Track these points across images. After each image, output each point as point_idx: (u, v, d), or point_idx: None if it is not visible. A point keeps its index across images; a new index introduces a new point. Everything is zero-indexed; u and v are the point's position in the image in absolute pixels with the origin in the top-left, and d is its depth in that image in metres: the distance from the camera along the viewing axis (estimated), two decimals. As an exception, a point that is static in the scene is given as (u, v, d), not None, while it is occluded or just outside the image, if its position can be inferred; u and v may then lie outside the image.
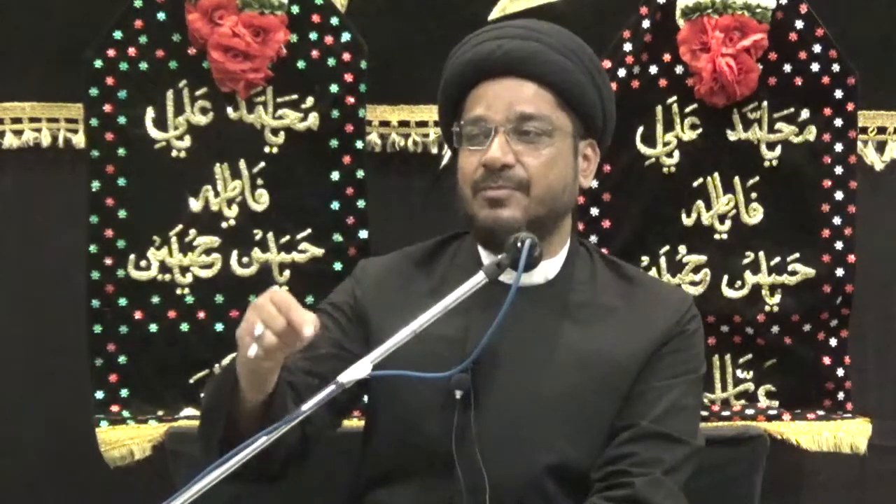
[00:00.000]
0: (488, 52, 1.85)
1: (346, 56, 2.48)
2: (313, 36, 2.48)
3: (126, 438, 2.46)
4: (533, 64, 1.84)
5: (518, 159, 1.81)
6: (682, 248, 2.57)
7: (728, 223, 2.57)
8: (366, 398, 1.95)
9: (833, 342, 2.59)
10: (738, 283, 2.57)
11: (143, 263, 2.48)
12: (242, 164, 2.50)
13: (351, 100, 2.49)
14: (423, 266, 1.96)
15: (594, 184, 2.49)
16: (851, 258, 2.57)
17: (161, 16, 2.45)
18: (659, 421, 1.83)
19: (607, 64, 2.48)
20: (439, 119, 1.99)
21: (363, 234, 2.50)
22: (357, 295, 1.93)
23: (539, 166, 1.82)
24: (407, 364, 1.66)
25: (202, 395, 1.81)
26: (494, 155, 1.80)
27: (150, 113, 2.47)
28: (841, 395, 2.60)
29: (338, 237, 2.51)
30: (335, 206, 2.51)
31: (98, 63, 2.44)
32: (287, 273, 2.51)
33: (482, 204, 1.82)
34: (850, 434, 2.58)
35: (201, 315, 2.50)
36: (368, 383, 1.81)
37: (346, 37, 2.48)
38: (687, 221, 2.57)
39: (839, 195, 2.56)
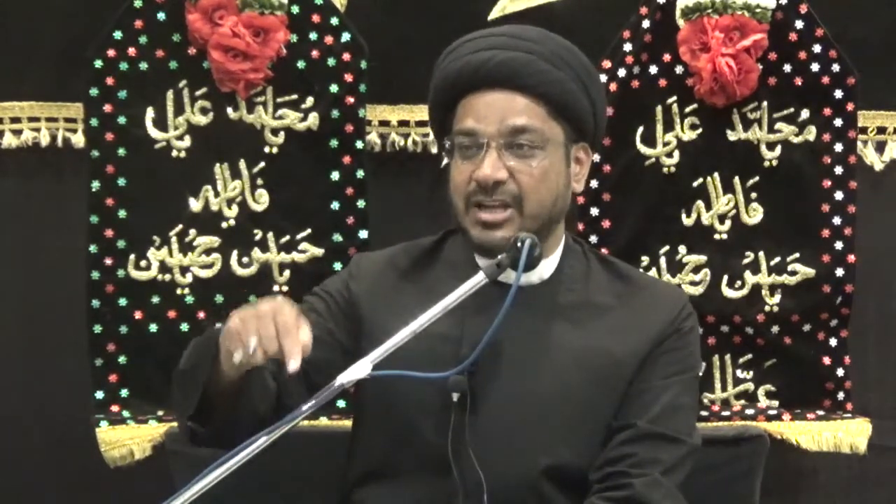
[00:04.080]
0: (479, 64, 1.82)
1: (346, 56, 2.48)
2: (313, 36, 2.48)
3: (126, 438, 2.46)
4: (523, 76, 1.82)
5: (511, 174, 1.80)
6: (682, 248, 2.57)
7: (728, 223, 2.57)
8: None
9: (833, 342, 2.59)
10: (738, 283, 2.57)
11: (143, 263, 2.48)
12: (242, 164, 2.50)
13: (351, 100, 2.49)
14: (419, 263, 1.95)
15: (594, 184, 2.50)
16: (851, 258, 2.57)
17: (161, 16, 2.45)
18: (656, 421, 1.83)
19: (607, 64, 2.49)
20: (431, 124, 1.98)
21: (363, 234, 2.50)
22: (352, 288, 1.93)
23: (531, 181, 1.81)
24: (401, 362, 1.65)
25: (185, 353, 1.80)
26: (486, 172, 1.79)
27: (150, 113, 2.47)
28: (841, 395, 2.60)
29: (338, 237, 2.51)
30: (335, 206, 2.51)
31: (98, 63, 2.44)
32: (287, 273, 2.51)
33: (475, 223, 1.82)
34: (850, 434, 2.58)
35: (201, 315, 2.49)
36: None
37: (346, 37, 2.48)
38: (687, 221, 2.57)
39: (839, 195, 2.56)
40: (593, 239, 2.51)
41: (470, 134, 1.82)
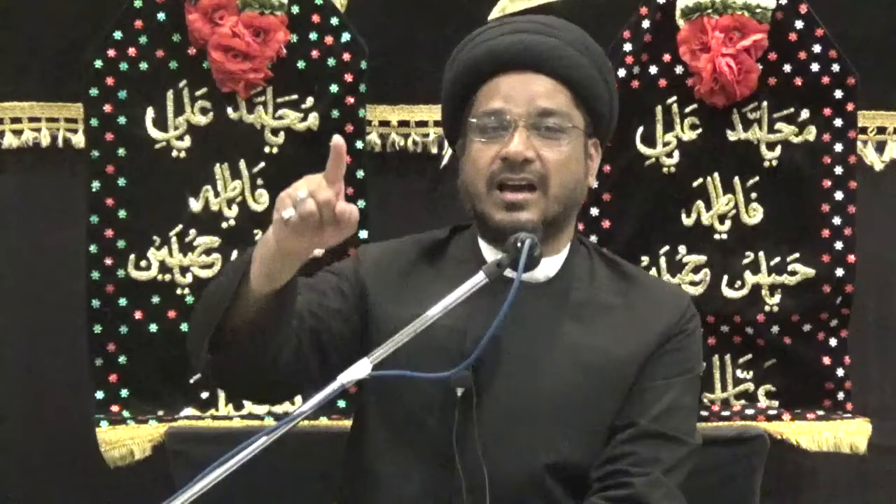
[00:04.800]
0: (507, 46, 1.84)
1: (346, 56, 2.48)
2: (313, 36, 2.48)
3: (126, 438, 2.46)
4: (551, 59, 1.84)
5: (537, 155, 1.81)
6: (682, 248, 2.57)
7: (728, 223, 2.57)
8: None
9: (833, 342, 2.59)
10: (738, 283, 2.57)
11: (143, 263, 2.48)
12: (242, 164, 2.50)
13: (351, 100, 2.49)
14: (426, 256, 1.95)
15: (594, 184, 2.50)
16: (851, 258, 2.57)
17: (161, 16, 2.45)
18: (658, 420, 1.83)
19: (607, 64, 2.49)
20: (445, 112, 1.96)
21: (363, 234, 2.50)
22: (360, 273, 1.92)
23: (557, 162, 1.82)
24: (406, 353, 1.64)
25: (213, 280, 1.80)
26: (518, 149, 1.79)
27: (150, 113, 2.47)
28: (841, 395, 2.60)
29: (337, 237, 2.50)
30: (335, 206, 2.50)
31: (98, 63, 2.44)
32: (287, 273, 2.50)
33: (498, 205, 1.81)
34: (850, 434, 2.58)
35: (201, 315, 2.49)
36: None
37: (346, 37, 2.48)
38: (687, 221, 2.57)
39: (839, 195, 2.56)
40: (593, 239, 2.51)
41: (497, 114, 1.82)
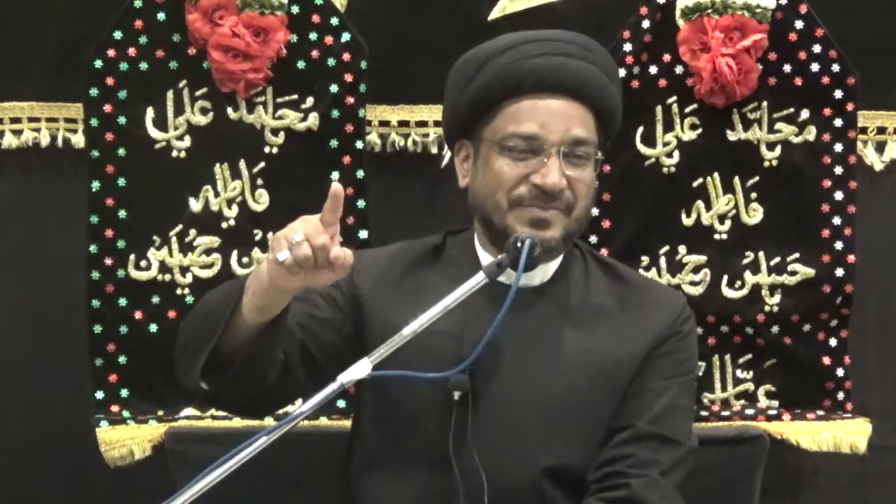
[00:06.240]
0: (552, 69, 1.83)
1: (346, 56, 2.48)
2: (313, 36, 2.48)
3: (126, 438, 2.46)
4: (591, 88, 1.85)
5: (568, 183, 1.82)
6: (682, 248, 2.57)
7: (728, 223, 2.57)
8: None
9: (833, 342, 2.59)
10: (738, 283, 2.57)
11: (143, 263, 2.48)
12: (242, 164, 2.50)
13: (351, 100, 2.49)
14: (421, 262, 1.96)
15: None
16: (851, 258, 2.57)
17: (161, 16, 2.45)
18: (655, 422, 1.84)
19: (607, 64, 2.49)
20: (457, 113, 1.92)
21: (363, 234, 2.50)
22: (355, 281, 1.92)
23: (584, 189, 1.84)
24: (403, 359, 1.66)
25: (201, 304, 1.83)
26: (555, 180, 1.80)
27: (150, 113, 2.47)
28: (841, 395, 2.60)
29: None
30: (335, 206, 2.50)
31: (98, 63, 2.44)
32: (287, 273, 2.50)
33: (522, 221, 1.81)
34: (849, 434, 2.58)
35: (201, 315, 2.49)
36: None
37: (346, 37, 2.48)
38: (687, 221, 2.57)
39: (839, 195, 2.56)
40: (593, 239, 2.51)
41: (531, 139, 1.82)
